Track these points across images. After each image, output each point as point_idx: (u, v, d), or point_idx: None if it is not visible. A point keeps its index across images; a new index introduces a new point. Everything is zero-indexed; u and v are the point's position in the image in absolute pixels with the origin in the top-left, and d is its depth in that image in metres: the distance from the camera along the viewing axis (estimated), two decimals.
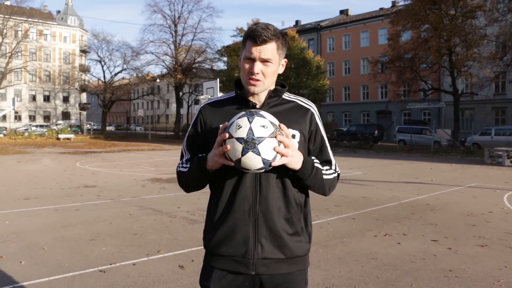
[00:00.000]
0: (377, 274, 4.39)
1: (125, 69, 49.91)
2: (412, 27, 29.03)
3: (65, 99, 63.34)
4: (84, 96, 64.36)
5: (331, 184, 1.79)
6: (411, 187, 10.52)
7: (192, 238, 5.69)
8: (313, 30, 50.23)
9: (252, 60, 1.72)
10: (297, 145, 1.71)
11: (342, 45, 47.97)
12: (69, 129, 45.44)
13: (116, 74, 51.16)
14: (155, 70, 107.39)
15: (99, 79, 53.30)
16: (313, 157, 1.77)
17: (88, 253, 5.08)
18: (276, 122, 1.63)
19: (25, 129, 45.64)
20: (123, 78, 55.28)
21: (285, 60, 1.84)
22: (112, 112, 72.95)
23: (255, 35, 1.70)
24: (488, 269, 4.53)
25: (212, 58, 45.61)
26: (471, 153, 22.94)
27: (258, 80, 1.72)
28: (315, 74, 36.27)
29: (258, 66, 1.71)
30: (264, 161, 1.57)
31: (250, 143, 1.56)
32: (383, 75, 31.67)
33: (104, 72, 50.68)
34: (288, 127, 1.66)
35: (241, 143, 1.56)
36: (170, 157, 20.11)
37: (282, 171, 1.68)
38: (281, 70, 1.82)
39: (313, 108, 1.82)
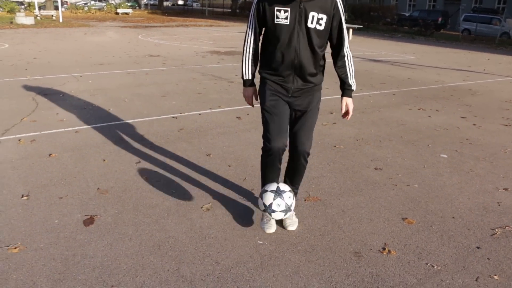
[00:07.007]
0: (402, 135, 5.17)
1: None
2: None
3: None
4: None
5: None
6: (459, 74, 10.71)
7: None
8: None
9: None
10: (324, 24, 2.50)
11: None
12: (126, 3, 45.89)
13: None
14: None
15: None
16: (351, 84, 2.72)
17: (161, 105, 6.15)
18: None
19: (85, 3, 46.59)
20: None
21: None
22: None
23: None
24: (501, 141, 5.17)
25: None
26: None
27: None
28: None
29: None
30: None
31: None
32: None
33: None
34: (318, 12, 2.46)
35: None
36: (227, 33, 20.64)
37: (313, 47, 2.54)
38: None
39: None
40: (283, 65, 2.57)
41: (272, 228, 2.84)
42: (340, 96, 2.78)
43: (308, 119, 2.70)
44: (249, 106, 3.44)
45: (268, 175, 2.80)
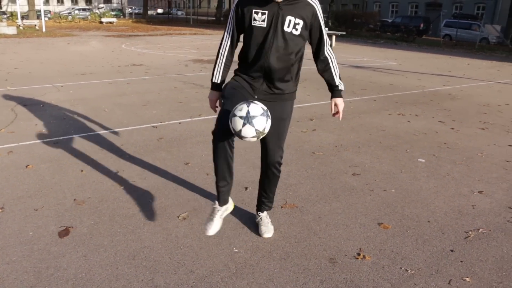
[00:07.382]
0: (381, 141, 5.22)
1: None
2: None
3: None
4: None
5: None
6: (440, 79, 10.88)
7: None
8: None
9: None
10: (299, 29, 2.50)
11: None
12: (111, 12, 45.73)
13: None
14: None
15: None
16: (337, 85, 2.72)
17: (142, 114, 6.13)
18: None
19: (68, 13, 46.28)
20: None
21: None
22: None
23: None
24: (478, 145, 5.26)
25: None
26: None
27: None
28: None
29: None
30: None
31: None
32: None
33: None
34: (296, 17, 2.47)
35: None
36: (211, 41, 20.67)
37: (287, 51, 2.53)
38: None
39: (316, 5, 2.53)
40: (254, 67, 2.57)
41: (212, 229, 2.66)
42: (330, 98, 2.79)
43: (277, 129, 2.68)
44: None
45: (218, 162, 2.60)
